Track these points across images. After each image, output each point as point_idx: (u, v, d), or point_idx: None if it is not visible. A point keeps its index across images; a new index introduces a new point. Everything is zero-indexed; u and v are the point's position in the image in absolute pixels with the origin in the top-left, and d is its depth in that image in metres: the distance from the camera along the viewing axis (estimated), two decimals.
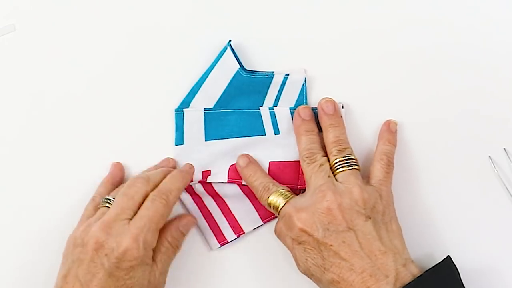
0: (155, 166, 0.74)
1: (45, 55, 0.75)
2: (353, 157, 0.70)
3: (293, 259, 0.69)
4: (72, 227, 0.70)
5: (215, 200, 0.74)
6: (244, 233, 0.74)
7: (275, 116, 0.73)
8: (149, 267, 0.67)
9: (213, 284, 0.74)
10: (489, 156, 0.74)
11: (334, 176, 0.69)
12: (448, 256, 0.67)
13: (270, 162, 0.74)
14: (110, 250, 0.65)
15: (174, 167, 0.74)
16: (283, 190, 0.70)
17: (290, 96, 0.74)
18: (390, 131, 0.73)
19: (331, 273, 0.65)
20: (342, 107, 0.73)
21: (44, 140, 0.75)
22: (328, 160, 0.70)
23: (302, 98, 0.74)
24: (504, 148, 0.74)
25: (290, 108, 0.73)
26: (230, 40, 0.74)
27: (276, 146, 0.73)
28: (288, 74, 0.74)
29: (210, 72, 0.74)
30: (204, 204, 0.74)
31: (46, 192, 0.75)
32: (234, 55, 0.74)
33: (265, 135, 0.74)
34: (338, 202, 0.66)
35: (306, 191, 0.70)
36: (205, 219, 0.74)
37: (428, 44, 0.75)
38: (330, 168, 0.70)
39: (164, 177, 0.70)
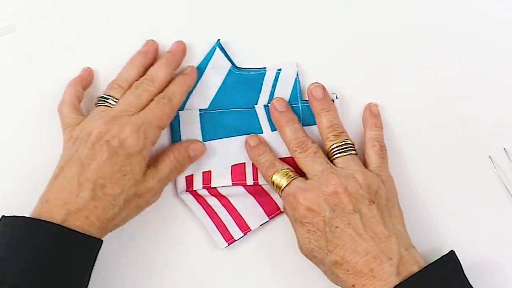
0: (139, 52, 0.73)
1: (45, 55, 0.76)
2: (349, 142, 0.70)
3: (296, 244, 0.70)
4: None
5: (219, 200, 0.74)
6: (250, 230, 0.74)
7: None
8: (144, 162, 0.68)
9: (222, 283, 0.74)
10: (489, 156, 0.74)
11: (332, 161, 0.70)
12: (452, 250, 0.67)
13: None
14: (111, 137, 0.67)
15: (157, 49, 0.74)
16: (287, 170, 0.70)
17: (284, 91, 0.74)
18: (373, 114, 0.73)
19: (334, 255, 0.66)
20: (336, 97, 0.73)
21: (43, 140, 0.75)
22: (321, 146, 0.71)
23: (295, 92, 0.74)
24: (504, 148, 0.74)
25: None
26: (219, 40, 0.74)
27: (274, 143, 0.73)
28: (280, 69, 0.74)
29: (203, 73, 0.74)
30: (208, 204, 0.74)
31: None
32: (224, 54, 0.74)
33: (262, 132, 0.74)
34: (344, 185, 0.66)
35: (305, 178, 0.70)
36: (211, 219, 0.74)
37: (428, 42, 0.75)
38: (326, 154, 0.70)
39: (166, 72, 0.71)
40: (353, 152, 0.70)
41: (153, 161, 0.71)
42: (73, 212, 0.65)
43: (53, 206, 0.65)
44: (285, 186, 0.69)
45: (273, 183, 0.70)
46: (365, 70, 0.75)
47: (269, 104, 0.73)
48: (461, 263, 0.67)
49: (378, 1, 0.75)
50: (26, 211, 0.66)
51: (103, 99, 0.71)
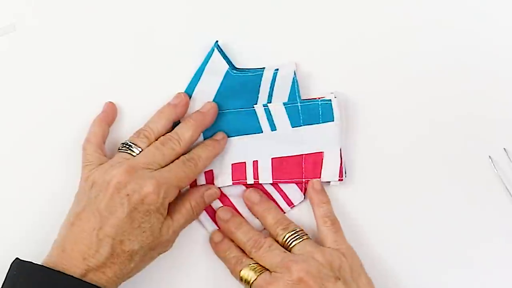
0: (169, 104, 0.73)
1: (45, 55, 0.75)
2: (299, 229, 0.70)
3: None
4: None
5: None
6: None
7: (270, 113, 0.73)
8: (162, 218, 0.68)
9: (224, 284, 0.73)
10: (489, 156, 0.74)
11: (290, 251, 0.69)
12: None
13: (272, 158, 0.73)
14: (132, 191, 0.66)
15: (187, 103, 0.73)
16: (255, 265, 0.69)
17: (282, 91, 0.74)
18: (317, 191, 0.73)
19: None
20: (335, 97, 0.73)
21: (44, 140, 0.75)
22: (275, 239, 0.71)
23: (294, 92, 0.73)
24: (504, 148, 0.74)
25: (283, 103, 0.73)
26: (217, 41, 0.74)
27: (275, 142, 0.73)
28: (277, 69, 0.74)
29: (201, 75, 0.74)
30: (211, 206, 0.74)
31: (46, 193, 0.74)
32: (222, 55, 0.74)
33: (261, 132, 0.74)
34: (306, 269, 0.66)
35: (270, 271, 0.69)
36: (212, 220, 0.74)
37: (428, 41, 0.75)
38: (283, 246, 0.70)
39: (194, 133, 0.71)
40: (305, 237, 0.70)
41: (168, 209, 0.69)
42: (92, 268, 0.65)
43: (72, 258, 0.65)
44: (253, 281, 0.68)
45: (241, 278, 0.69)
46: (363, 70, 0.75)
47: (268, 104, 0.73)
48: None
49: (377, 1, 0.75)
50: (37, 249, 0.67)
51: (127, 146, 0.70)
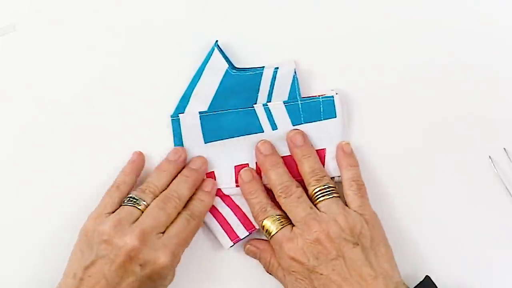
0: (168, 161, 0.73)
1: (45, 55, 0.76)
2: (331, 185, 0.71)
3: None
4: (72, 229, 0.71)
5: (223, 199, 0.74)
6: (255, 229, 0.74)
7: (270, 112, 0.73)
8: (172, 275, 0.70)
9: (229, 283, 0.74)
10: (489, 156, 0.74)
11: (315, 205, 0.70)
12: (427, 276, 0.68)
13: None
14: (145, 261, 0.67)
15: (186, 158, 0.73)
16: (279, 216, 0.70)
17: (282, 90, 0.74)
18: (346, 154, 0.72)
19: None
20: (336, 94, 0.73)
21: (43, 141, 0.75)
22: (305, 190, 0.71)
23: (294, 90, 0.74)
24: (504, 148, 0.74)
25: (283, 101, 0.73)
26: (217, 41, 0.74)
27: (277, 141, 0.73)
28: (277, 68, 0.74)
29: (201, 74, 0.74)
30: (212, 204, 0.74)
31: (43, 193, 0.74)
32: (222, 55, 0.74)
33: (263, 131, 0.74)
34: (326, 231, 0.67)
35: (292, 224, 0.70)
36: (215, 219, 0.74)
37: (428, 43, 0.75)
38: (310, 198, 0.70)
39: (191, 190, 0.72)
40: (335, 195, 0.70)
41: None
42: None
43: None
44: (274, 234, 0.70)
45: (263, 227, 0.71)
46: (363, 68, 0.75)
47: (268, 103, 0.73)
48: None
49: (386, 6, 0.75)
50: None
51: (134, 199, 0.70)
